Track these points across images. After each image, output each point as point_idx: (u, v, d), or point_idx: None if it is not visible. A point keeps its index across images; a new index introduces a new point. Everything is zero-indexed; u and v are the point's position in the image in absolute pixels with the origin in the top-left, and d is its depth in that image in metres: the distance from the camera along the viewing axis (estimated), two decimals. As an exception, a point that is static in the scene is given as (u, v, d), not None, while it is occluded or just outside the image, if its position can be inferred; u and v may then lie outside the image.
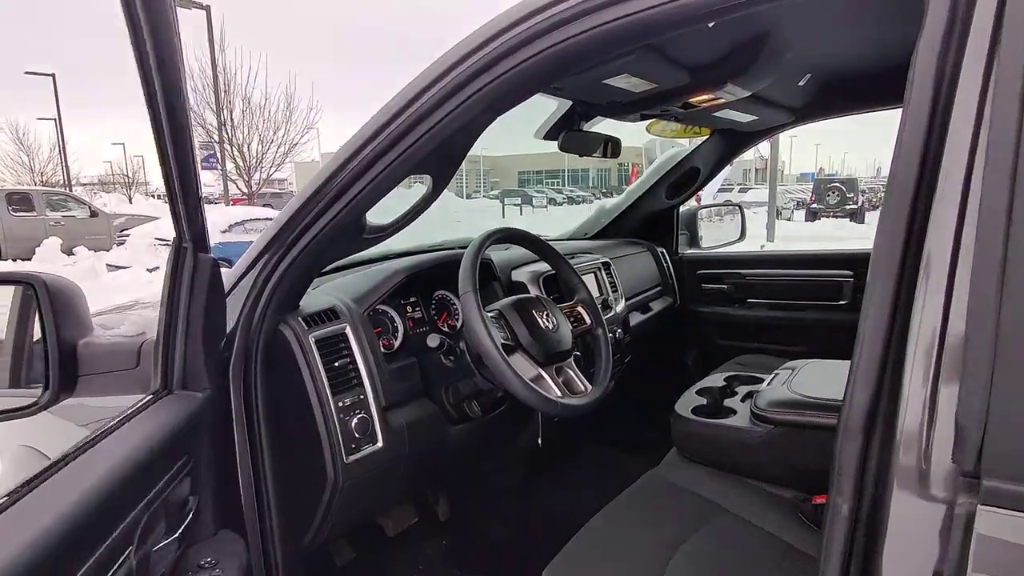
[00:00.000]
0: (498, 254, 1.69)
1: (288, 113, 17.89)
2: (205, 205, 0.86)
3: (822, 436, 1.25)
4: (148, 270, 8.63)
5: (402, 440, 1.19)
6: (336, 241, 1.04)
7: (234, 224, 9.60)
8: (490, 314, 1.18)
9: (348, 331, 1.17)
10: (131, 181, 34.87)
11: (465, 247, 1.22)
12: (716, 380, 1.66)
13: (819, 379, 1.41)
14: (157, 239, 9.13)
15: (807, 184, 27.89)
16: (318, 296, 1.23)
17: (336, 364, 1.12)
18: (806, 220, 17.51)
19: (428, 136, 0.90)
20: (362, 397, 1.14)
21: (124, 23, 0.63)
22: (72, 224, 12.50)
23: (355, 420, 1.11)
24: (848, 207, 17.11)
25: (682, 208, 2.50)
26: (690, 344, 2.48)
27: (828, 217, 16.89)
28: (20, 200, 12.31)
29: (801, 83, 1.68)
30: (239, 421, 0.99)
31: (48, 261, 10.68)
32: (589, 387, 1.22)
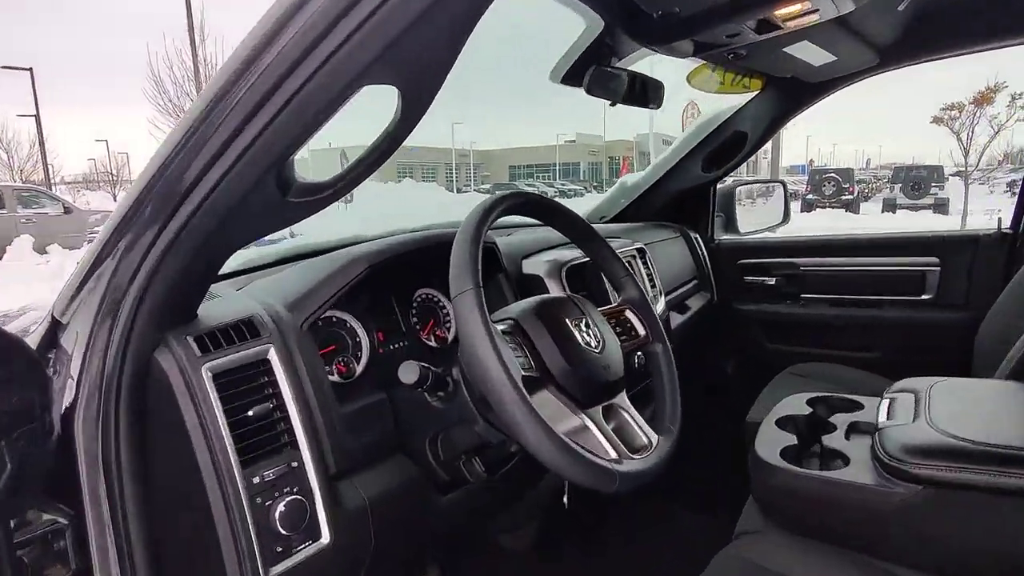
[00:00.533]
0: (502, 238, 1.25)
1: (273, 105, 17.33)
2: None
3: (999, 503, 0.83)
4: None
5: (363, 530, 0.76)
6: (243, 208, 0.61)
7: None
8: (500, 326, 0.75)
9: (273, 356, 0.74)
10: (116, 179, 34.14)
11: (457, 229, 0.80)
12: (793, 403, 1.24)
13: (968, 411, 0.98)
14: (130, 235, 8.60)
15: (797, 176, 27.57)
16: (230, 302, 0.79)
17: (250, 413, 0.69)
18: (802, 211, 17.10)
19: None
20: (295, 464, 0.71)
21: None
22: (45, 221, 12.05)
23: (282, 506, 0.68)
24: (844, 197, 16.79)
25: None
26: (730, 349, 2.06)
27: (823, 208, 16.54)
28: (-10, 197, 11.83)
29: (901, 7, 1.26)
30: (93, 506, 0.59)
31: (19, 260, 10.19)
32: (654, 437, 0.79)
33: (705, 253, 2.00)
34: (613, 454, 0.70)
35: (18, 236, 10.94)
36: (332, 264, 0.90)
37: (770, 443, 1.07)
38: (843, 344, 1.85)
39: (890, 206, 16.75)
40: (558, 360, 0.74)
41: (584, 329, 0.80)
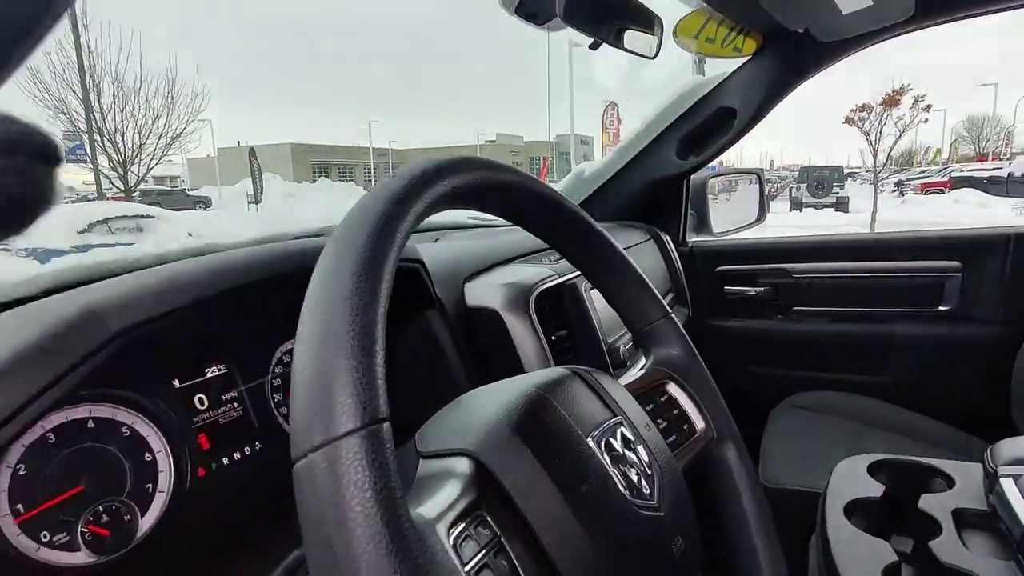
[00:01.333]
0: (424, 246, 0.81)
1: (170, 99, 15.92)
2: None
3: None
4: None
5: None
6: None
7: (96, 223, 8.01)
8: (442, 500, 0.33)
9: None
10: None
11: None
12: (851, 474, 0.87)
13: None
14: (-9, 243, 7.44)
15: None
16: None
17: None
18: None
19: None
20: None
21: None
22: None
23: None
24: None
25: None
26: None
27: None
28: None
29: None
30: None
31: None
32: None
33: (677, 259, 1.64)
34: None
35: None
36: (37, 324, 0.43)
37: (859, 560, 0.69)
38: (846, 367, 1.53)
39: (796, 204, 17.37)
40: (587, 555, 0.32)
41: (619, 450, 0.38)
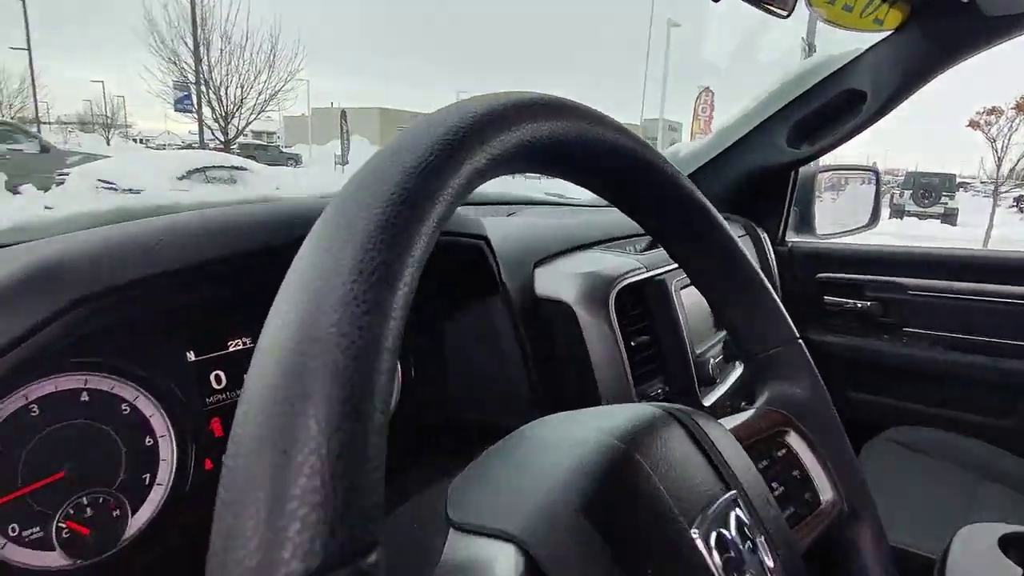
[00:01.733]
0: (493, 221, 0.71)
1: (272, 57, 16.50)
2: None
3: None
4: (87, 216, 7.49)
5: None
6: None
7: (194, 170, 8.44)
8: None
9: None
10: (110, 122, 33.06)
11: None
12: (977, 545, 0.72)
13: None
14: (101, 180, 7.97)
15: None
16: None
17: None
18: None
19: None
20: None
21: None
22: (20, 159, 11.42)
23: None
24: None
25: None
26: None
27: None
28: (-40, 130, 11.27)
29: None
30: None
31: (-14, 198, 9.56)
32: None
33: (774, 260, 1.47)
34: None
35: (-12, 173, 10.34)
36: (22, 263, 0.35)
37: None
38: (962, 404, 1.33)
39: (897, 212, 16.05)
40: None
41: (738, 548, 0.27)
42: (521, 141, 0.25)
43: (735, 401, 0.83)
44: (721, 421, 0.38)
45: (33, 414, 0.37)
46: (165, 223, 0.41)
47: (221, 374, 0.46)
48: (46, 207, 8.35)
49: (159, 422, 0.42)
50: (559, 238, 0.72)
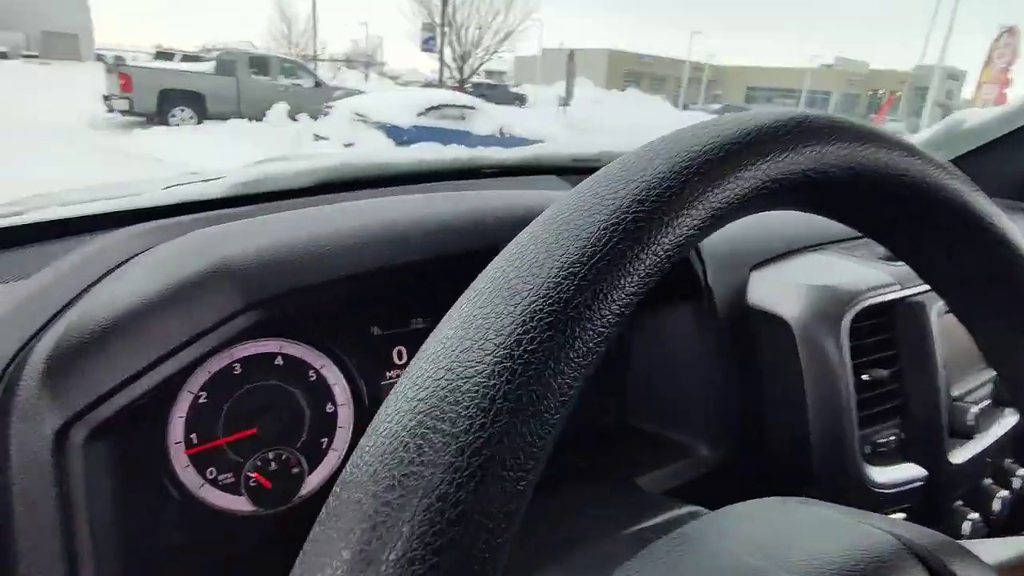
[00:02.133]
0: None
1: (510, -4, 16.97)
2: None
3: None
4: (344, 145, 8.61)
5: None
6: None
7: (431, 108, 9.22)
8: None
9: None
10: (370, 60, 37.31)
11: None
12: None
13: None
14: (356, 114, 9.07)
15: None
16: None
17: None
18: None
19: None
20: None
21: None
22: (298, 92, 13.43)
23: None
24: None
25: None
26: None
27: None
28: (259, 63, 13.57)
29: None
30: None
31: (274, 124, 11.48)
32: None
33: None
34: None
35: (278, 103, 12.37)
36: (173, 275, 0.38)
37: None
38: None
39: None
40: None
41: None
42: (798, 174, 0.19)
43: (998, 459, 0.64)
44: (990, 546, 0.27)
45: (235, 372, 0.41)
46: (370, 222, 0.43)
47: (403, 349, 0.47)
48: (315, 134, 9.75)
49: (340, 390, 0.44)
50: (783, 236, 0.59)
